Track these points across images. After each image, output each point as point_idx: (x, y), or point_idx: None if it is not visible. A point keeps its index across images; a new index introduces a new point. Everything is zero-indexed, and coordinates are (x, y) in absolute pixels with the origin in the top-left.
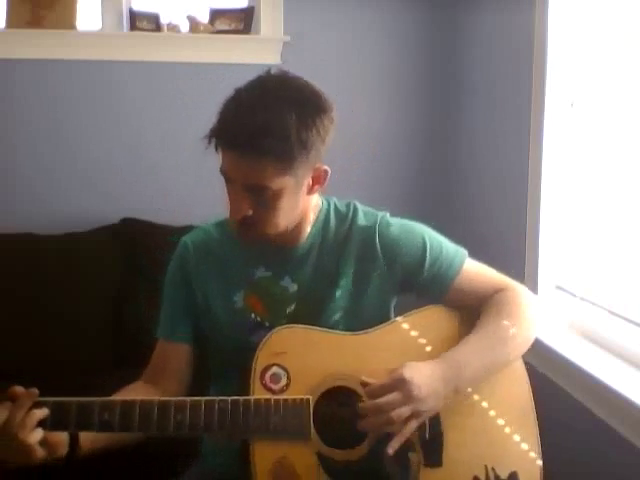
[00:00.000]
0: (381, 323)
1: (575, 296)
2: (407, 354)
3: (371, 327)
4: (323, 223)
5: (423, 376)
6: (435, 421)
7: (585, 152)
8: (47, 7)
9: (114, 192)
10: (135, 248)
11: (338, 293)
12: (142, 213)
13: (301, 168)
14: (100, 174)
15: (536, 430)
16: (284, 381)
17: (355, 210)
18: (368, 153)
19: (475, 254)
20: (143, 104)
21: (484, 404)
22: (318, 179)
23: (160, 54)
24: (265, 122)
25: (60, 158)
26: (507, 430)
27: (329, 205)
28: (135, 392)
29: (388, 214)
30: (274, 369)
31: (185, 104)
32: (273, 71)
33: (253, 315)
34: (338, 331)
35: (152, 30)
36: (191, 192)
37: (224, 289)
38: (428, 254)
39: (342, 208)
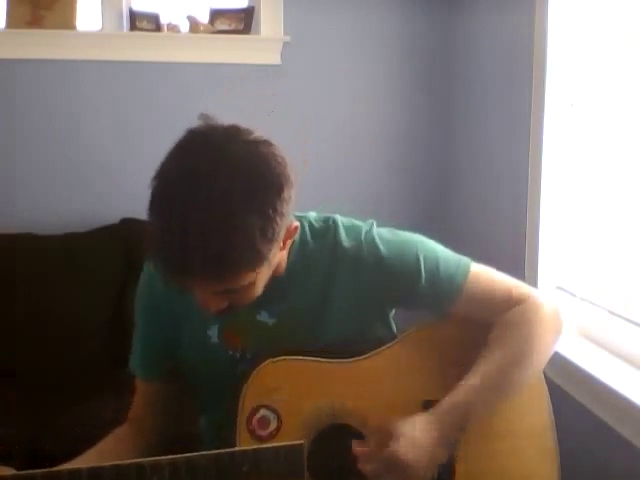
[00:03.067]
0: (378, 343)
1: (575, 296)
2: (410, 377)
3: (367, 350)
4: (299, 247)
5: (419, 448)
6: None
7: (585, 152)
8: (47, 7)
9: (114, 192)
10: (135, 248)
11: (327, 319)
12: (142, 213)
13: (272, 254)
14: (100, 174)
15: (555, 449)
16: (274, 424)
17: (336, 227)
18: (367, 153)
19: (475, 254)
20: (143, 104)
21: (497, 428)
22: (289, 236)
23: (160, 54)
24: (223, 244)
25: (60, 158)
26: (524, 454)
27: (303, 225)
28: (119, 441)
29: (374, 227)
30: (262, 412)
31: (185, 104)
32: (199, 129)
33: (231, 352)
34: (332, 359)
35: (152, 30)
36: None
37: (196, 323)
38: (423, 273)
39: (320, 226)
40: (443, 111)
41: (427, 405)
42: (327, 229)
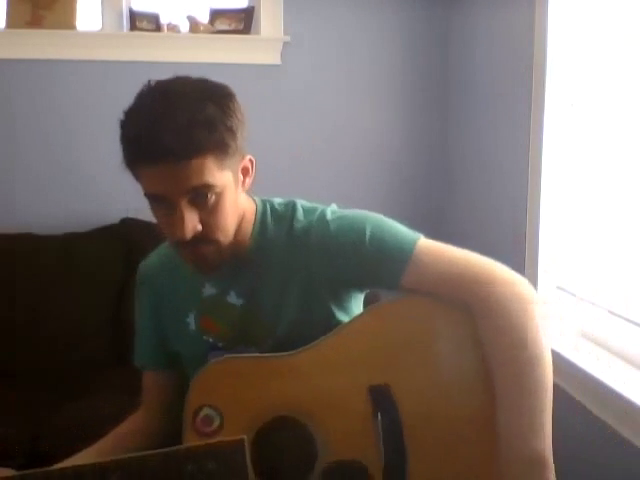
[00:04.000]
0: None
1: (575, 296)
2: (354, 364)
3: (317, 338)
4: (260, 228)
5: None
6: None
7: (585, 152)
8: (47, 7)
9: (114, 192)
10: (135, 248)
11: (285, 304)
12: (142, 213)
13: (235, 159)
14: (100, 174)
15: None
16: (217, 422)
17: (294, 209)
18: (367, 153)
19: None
20: None
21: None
22: (247, 171)
23: (160, 54)
24: (188, 118)
25: (60, 158)
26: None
27: (265, 206)
28: (130, 427)
29: (332, 207)
30: (205, 410)
31: None
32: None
33: (206, 337)
34: (278, 353)
35: (152, 30)
36: None
37: (178, 312)
38: (368, 241)
39: (280, 208)
40: (443, 111)
41: (376, 391)
42: (286, 212)
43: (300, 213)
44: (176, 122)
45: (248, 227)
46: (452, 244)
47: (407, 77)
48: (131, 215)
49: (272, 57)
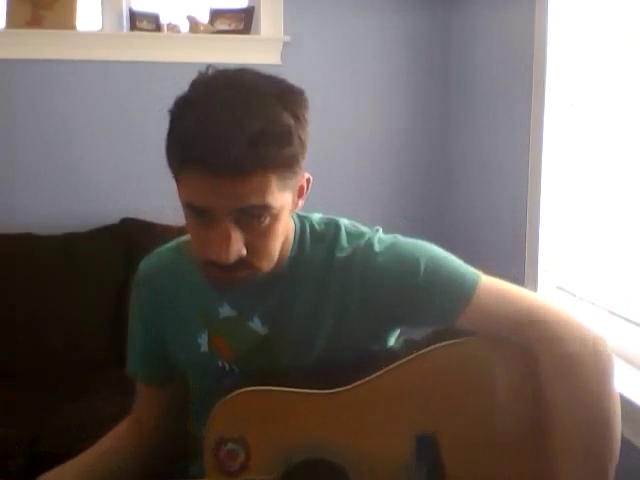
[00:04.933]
0: (371, 370)
1: (575, 296)
2: (401, 408)
3: (356, 377)
4: (298, 250)
5: None
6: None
7: (585, 152)
8: (47, 7)
9: (114, 192)
10: (135, 248)
11: (314, 335)
12: (142, 213)
13: (297, 178)
14: (100, 174)
15: None
16: (242, 457)
17: (337, 232)
18: (367, 153)
19: (475, 254)
20: (143, 104)
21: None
22: (302, 191)
23: (160, 54)
24: (261, 128)
25: (60, 158)
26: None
27: (303, 225)
28: (120, 439)
29: (379, 233)
30: (229, 445)
31: None
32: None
33: (220, 362)
34: (314, 391)
35: (152, 30)
36: None
37: (186, 329)
38: (422, 282)
39: (321, 229)
40: (443, 111)
41: (422, 441)
42: (327, 233)
43: (343, 238)
44: (246, 131)
45: (285, 247)
46: (452, 244)
47: (407, 77)
48: (131, 215)
49: (272, 57)
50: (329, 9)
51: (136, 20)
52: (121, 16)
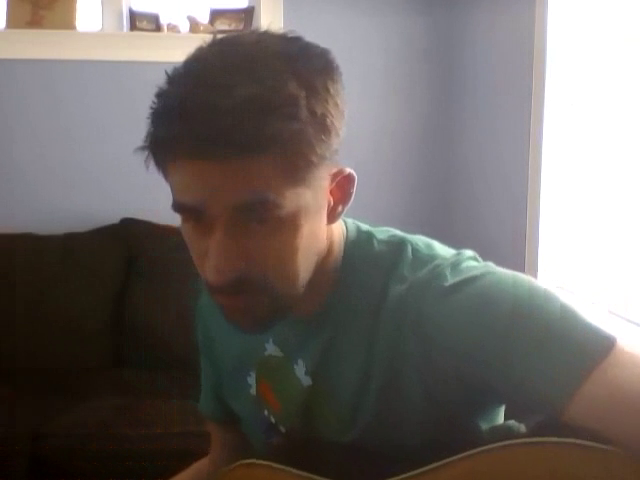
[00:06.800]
0: (434, 455)
1: (575, 296)
2: None
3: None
4: (347, 276)
5: None
6: None
7: (585, 152)
8: (47, 7)
9: (114, 192)
10: (135, 248)
11: (363, 402)
12: (142, 213)
13: (320, 171)
14: (100, 174)
15: None
16: None
17: (399, 253)
18: (367, 153)
19: None
20: (143, 104)
21: None
22: (342, 191)
23: (160, 54)
24: (255, 91)
25: (60, 158)
26: None
27: (358, 239)
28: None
29: (461, 258)
30: None
31: None
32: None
33: (266, 412)
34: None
35: (152, 30)
36: None
37: (235, 364)
38: (514, 336)
39: (380, 249)
40: (443, 111)
41: None
42: (386, 255)
43: (406, 263)
44: (233, 99)
45: (332, 267)
46: (452, 244)
47: (407, 77)
48: (131, 215)
49: None
50: (329, 9)
51: (136, 20)
52: (121, 16)
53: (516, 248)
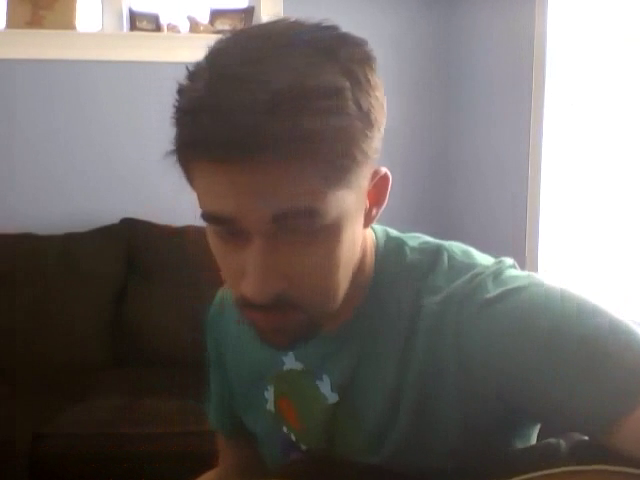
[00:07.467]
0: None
1: None
2: None
3: None
4: (378, 287)
5: None
6: None
7: (585, 151)
8: (47, 7)
9: (114, 192)
10: (135, 248)
11: (394, 420)
12: (142, 213)
13: (363, 171)
14: (100, 174)
15: None
16: None
17: (435, 261)
18: None
19: None
20: (143, 104)
21: None
22: (379, 193)
23: (160, 54)
24: (291, 81)
25: (60, 158)
26: None
27: (388, 246)
28: None
29: (503, 266)
30: None
31: None
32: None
33: (286, 428)
34: None
35: (152, 30)
36: (191, 192)
37: (253, 380)
38: (562, 354)
39: (413, 257)
40: (443, 110)
41: None
42: (420, 263)
43: (442, 272)
44: (266, 92)
45: (363, 277)
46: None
47: (407, 77)
48: (131, 215)
49: None
50: (329, 9)
51: (136, 20)
52: (121, 16)
53: (516, 247)
